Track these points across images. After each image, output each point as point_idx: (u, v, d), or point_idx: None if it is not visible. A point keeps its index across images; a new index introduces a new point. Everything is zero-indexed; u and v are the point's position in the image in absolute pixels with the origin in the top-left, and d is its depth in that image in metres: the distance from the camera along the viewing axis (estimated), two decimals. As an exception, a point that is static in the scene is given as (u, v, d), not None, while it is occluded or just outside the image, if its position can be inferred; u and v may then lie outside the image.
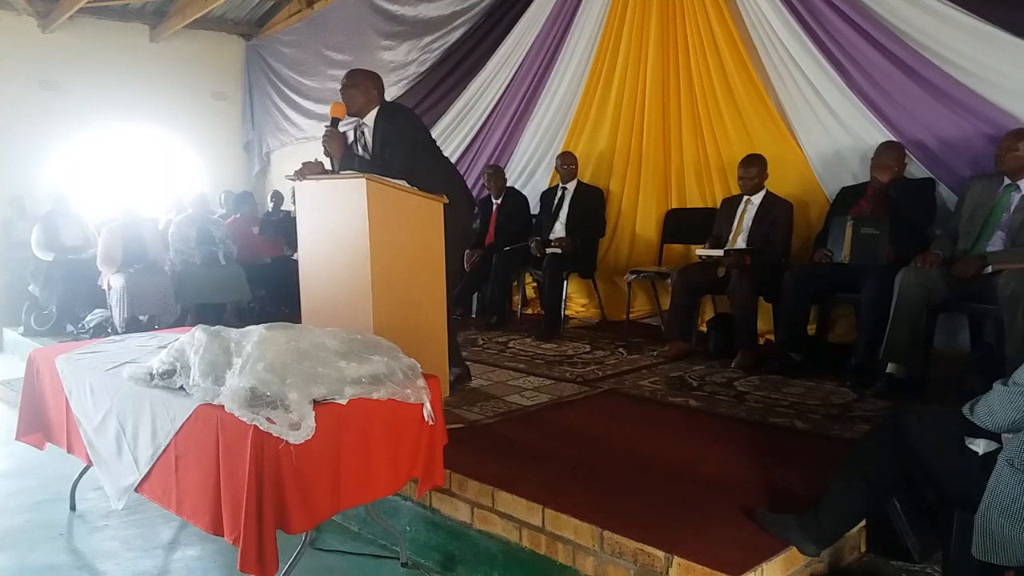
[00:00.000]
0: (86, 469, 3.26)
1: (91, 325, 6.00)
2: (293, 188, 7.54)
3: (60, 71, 7.99)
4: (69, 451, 3.05)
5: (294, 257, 6.90)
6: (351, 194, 3.07)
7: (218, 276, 6.10)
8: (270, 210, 7.43)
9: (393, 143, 3.37)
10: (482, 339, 5.10)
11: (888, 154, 3.97)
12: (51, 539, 3.02)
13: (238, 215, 7.12)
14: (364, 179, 3.03)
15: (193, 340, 2.55)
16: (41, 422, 3.22)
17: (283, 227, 7.16)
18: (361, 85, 3.48)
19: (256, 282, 6.35)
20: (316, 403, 2.25)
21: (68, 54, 8.00)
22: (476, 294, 5.94)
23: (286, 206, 7.54)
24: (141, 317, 5.82)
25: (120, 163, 8.59)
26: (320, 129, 8.15)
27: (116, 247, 5.92)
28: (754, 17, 4.79)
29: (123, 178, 8.37)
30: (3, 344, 6.94)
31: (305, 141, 8.48)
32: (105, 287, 5.92)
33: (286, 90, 8.71)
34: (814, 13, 4.46)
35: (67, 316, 6.32)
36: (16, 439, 3.27)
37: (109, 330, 5.75)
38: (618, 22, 5.49)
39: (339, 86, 8.03)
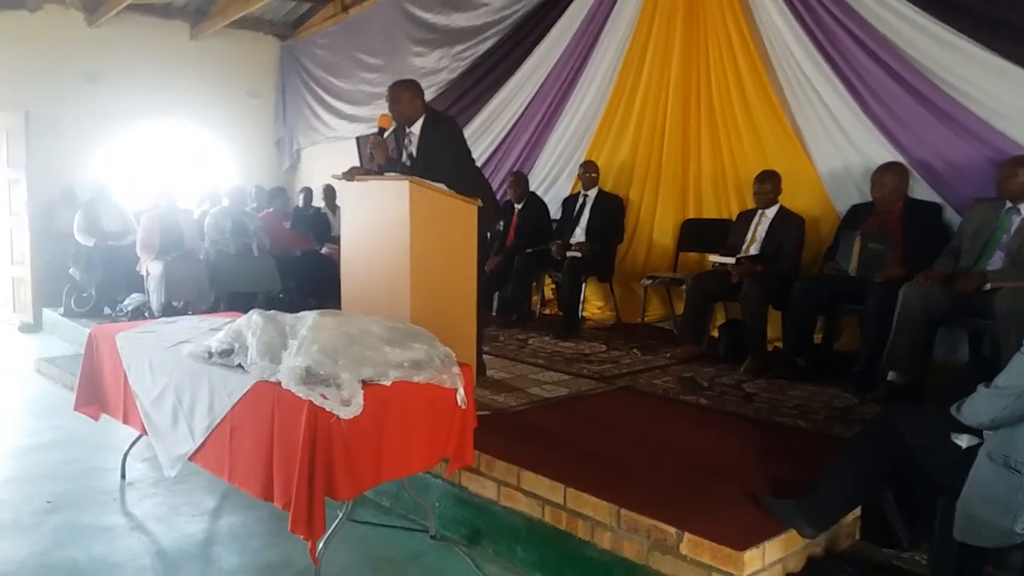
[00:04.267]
0: (136, 441, 3.51)
1: (129, 308, 6.25)
2: (324, 186, 7.83)
3: (104, 64, 8.24)
4: (125, 422, 3.29)
5: (323, 251, 7.20)
6: (395, 195, 3.31)
7: (251, 266, 6.33)
8: (301, 206, 7.67)
9: (436, 150, 3.63)
10: (503, 336, 5.33)
11: (886, 175, 4.18)
12: (104, 503, 3.27)
13: (271, 209, 7.37)
14: (407, 181, 3.27)
15: (250, 323, 2.79)
16: (98, 395, 3.46)
17: (314, 222, 7.40)
18: (406, 100, 3.71)
19: (286, 274, 6.58)
20: (364, 383, 2.47)
21: (112, 48, 8.26)
22: (497, 293, 6.16)
23: (316, 202, 7.76)
24: (176, 303, 6.07)
25: (157, 154, 8.85)
26: (351, 129, 8.46)
27: (155, 234, 6.17)
28: (773, 40, 5.00)
29: (159, 169, 8.62)
30: (43, 324, 7.24)
31: (335, 140, 8.73)
32: (144, 273, 6.17)
33: (319, 90, 8.92)
34: (830, 37, 4.67)
35: (105, 299, 6.59)
36: (74, 409, 3.53)
37: (146, 314, 6.00)
38: (643, 39, 5.71)
39: (372, 88, 8.23)
